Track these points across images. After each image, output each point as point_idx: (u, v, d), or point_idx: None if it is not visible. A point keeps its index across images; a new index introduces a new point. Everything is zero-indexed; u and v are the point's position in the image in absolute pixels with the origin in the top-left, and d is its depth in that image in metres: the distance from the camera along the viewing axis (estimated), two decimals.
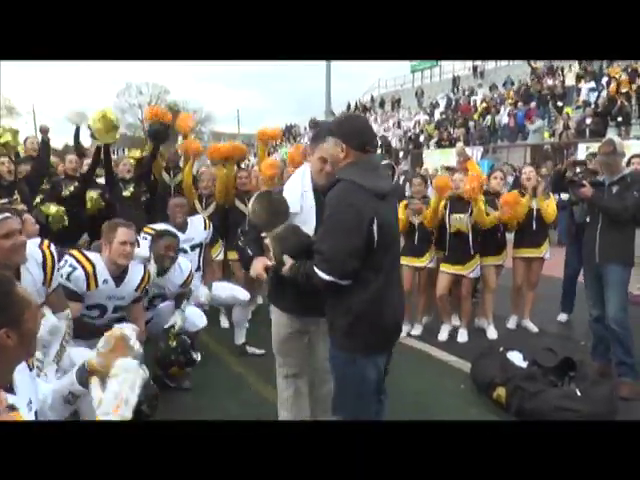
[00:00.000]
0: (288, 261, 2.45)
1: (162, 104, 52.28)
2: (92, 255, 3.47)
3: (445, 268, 5.24)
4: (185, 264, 4.17)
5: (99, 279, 3.42)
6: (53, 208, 5.24)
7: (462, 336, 5.35)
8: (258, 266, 2.66)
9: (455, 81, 26.39)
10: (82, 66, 76.65)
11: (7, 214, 2.63)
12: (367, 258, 2.26)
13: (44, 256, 2.93)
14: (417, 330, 5.50)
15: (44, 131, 5.63)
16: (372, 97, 34.21)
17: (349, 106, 34.53)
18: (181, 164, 6.19)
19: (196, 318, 4.25)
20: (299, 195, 2.66)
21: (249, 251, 2.75)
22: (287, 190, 2.71)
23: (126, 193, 5.62)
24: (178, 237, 4.15)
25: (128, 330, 1.86)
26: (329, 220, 2.27)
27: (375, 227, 2.24)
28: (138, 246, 3.73)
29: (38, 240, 3.04)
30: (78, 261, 3.40)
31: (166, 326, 3.98)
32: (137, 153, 6.79)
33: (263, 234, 2.60)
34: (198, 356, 4.01)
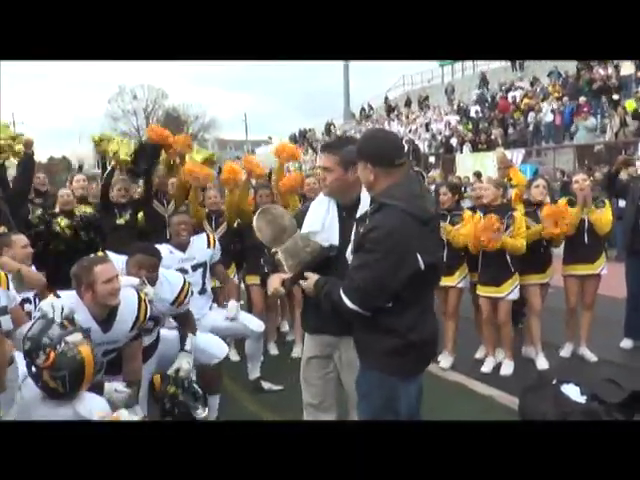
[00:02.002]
0: (311, 276, 2.61)
1: (160, 110, 53.29)
2: (68, 300, 3.22)
3: (480, 291, 5.24)
4: (175, 278, 3.98)
5: None
6: (65, 221, 5.38)
7: (507, 368, 5.30)
8: (274, 281, 2.82)
9: (485, 77, 26.32)
10: (68, 69, 78.26)
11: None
12: (411, 281, 2.40)
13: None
14: (447, 361, 5.46)
15: (27, 144, 5.73)
16: (388, 97, 34.38)
17: (370, 106, 34.77)
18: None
19: (214, 348, 4.18)
20: (324, 213, 2.83)
21: (266, 269, 2.96)
22: (314, 207, 2.91)
23: (120, 221, 5.58)
24: (158, 255, 3.94)
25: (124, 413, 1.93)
26: (370, 249, 2.37)
27: (420, 258, 2.39)
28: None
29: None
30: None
31: (169, 372, 3.78)
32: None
33: (273, 250, 2.79)
34: (205, 411, 3.74)
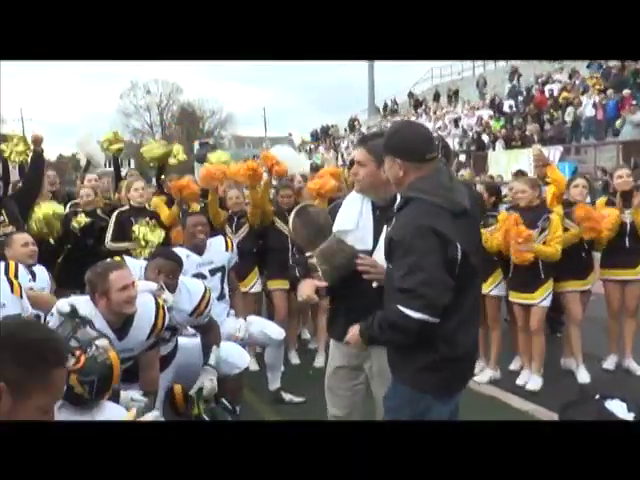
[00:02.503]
0: (351, 331, 2.56)
1: (174, 105, 53.73)
2: (84, 307, 3.23)
3: (512, 297, 5.17)
4: (195, 286, 3.98)
5: None
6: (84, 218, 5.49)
7: (535, 383, 5.14)
8: (305, 288, 2.81)
9: (515, 70, 26.06)
10: (77, 62, 79.32)
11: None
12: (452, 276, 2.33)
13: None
14: (485, 376, 5.39)
15: (37, 141, 5.80)
16: (413, 92, 34.27)
17: (395, 101, 34.70)
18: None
19: (236, 357, 4.20)
20: (358, 211, 2.82)
21: (296, 273, 2.95)
22: (346, 204, 2.90)
23: (135, 228, 5.55)
24: (179, 261, 3.96)
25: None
26: (408, 250, 2.29)
27: (459, 252, 2.30)
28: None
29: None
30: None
31: (192, 392, 3.78)
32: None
33: (308, 253, 2.76)
34: None
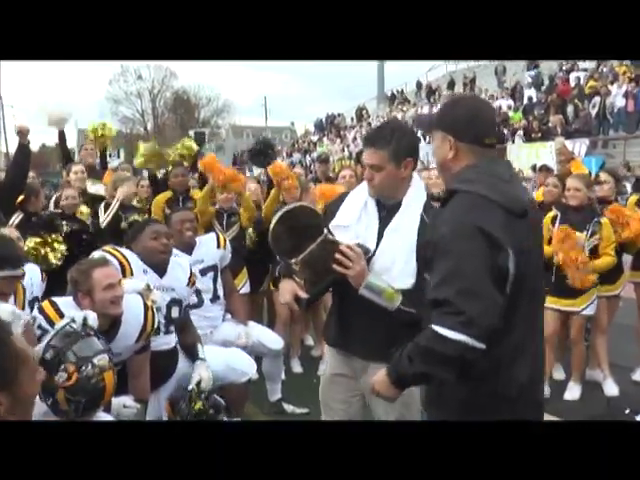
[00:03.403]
0: (379, 374, 2.17)
1: (167, 92, 53.80)
2: (67, 308, 3.22)
3: (552, 303, 5.11)
4: (181, 259, 4.17)
5: None
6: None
7: (573, 392, 5.21)
8: (286, 293, 2.70)
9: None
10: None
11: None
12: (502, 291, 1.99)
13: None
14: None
15: (23, 133, 5.75)
16: (420, 81, 34.27)
17: (419, 84, 34.66)
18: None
19: (243, 364, 4.19)
20: (361, 207, 2.76)
21: (277, 272, 2.86)
22: (351, 197, 2.85)
23: (124, 224, 5.57)
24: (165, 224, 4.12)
25: None
26: (447, 251, 1.99)
27: (511, 262, 1.98)
28: (124, 270, 3.68)
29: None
30: (49, 320, 3.20)
31: (190, 386, 3.76)
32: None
33: (292, 260, 2.64)
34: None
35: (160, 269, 3.91)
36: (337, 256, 2.52)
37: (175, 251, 4.17)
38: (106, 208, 5.65)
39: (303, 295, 2.64)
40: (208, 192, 5.69)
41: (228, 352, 4.21)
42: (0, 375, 1.49)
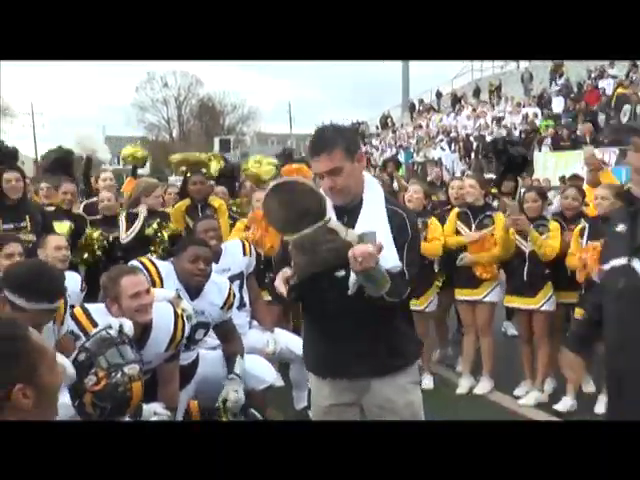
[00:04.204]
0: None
1: (193, 99, 54.22)
2: (99, 315, 3.30)
3: (581, 315, 5.02)
4: (221, 281, 4.13)
5: None
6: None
7: (602, 406, 5.09)
8: (280, 282, 2.46)
9: (557, 67, 25.74)
10: None
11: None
12: None
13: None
14: (531, 398, 5.35)
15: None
16: (440, 90, 34.12)
17: (439, 94, 34.55)
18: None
19: (262, 370, 4.22)
20: None
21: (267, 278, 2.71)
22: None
23: (149, 230, 5.56)
24: (208, 245, 4.09)
25: None
26: None
27: None
28: (153, 285, 3.68)
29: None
30: (80, 326, 3.27)
31: (217, 403, 3.80)
32: None
33: (286, 237, 2.46)
34: None
35: (194, 291, 3.93)
36: (350, 254, 2.23)
37: (212, 266, 4.15)
38: (127, 219, 5.62)
39: (291, 282, 2.42)
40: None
41: (248, 359, 4.21)
42: (23, 370, 1.55)
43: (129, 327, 3.05)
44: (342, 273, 2.42)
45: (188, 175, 6.40)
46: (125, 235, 5.53)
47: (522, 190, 6.88)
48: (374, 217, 2.52)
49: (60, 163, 7.20)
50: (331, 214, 2.37)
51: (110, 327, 2.98)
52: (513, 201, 5.35)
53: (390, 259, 2.43)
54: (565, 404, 5.11)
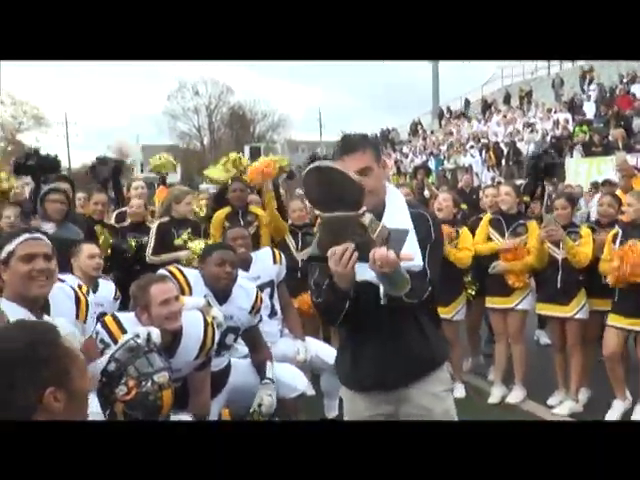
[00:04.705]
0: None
1: (224, 107, 54.65)
2: (129, 323, 3.34)
3: (615, 321, 4.95)
4: (248, 285, 4.18)
5: None
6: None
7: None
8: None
9: (584, 74, 25.43)
10: (124, 64, 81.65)
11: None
12: None
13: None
14: (565, 408, 5.27)
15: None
16: (469, 99, 33.87)
17: (467, 102, 34.39)
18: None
19: (293, 378, 4.24)
20: None
21: (315, 297, 2.57)
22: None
23: (178, 241, 5.60)
24: (232, 249, 4.16)
25: None
26: None
27: None
28: (182, 293, 3.71)
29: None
30: (111, 335, 3.31)
31: (251, 409, 3.85)
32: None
33: (316, 212, 2.45)
34: None
35: (222, 296, 3.97)
36: (371, 255, 2.20)
37: (242, 274, 4.21)
38: (158, 230, 5.68)
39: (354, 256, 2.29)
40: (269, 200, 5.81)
41: (279, 367, 4.23)
42: (55, 373, 1.59)
43: (157, 335, 3.07)
44: (374, 282, 2.39)
45: (229, 183, 6.47)
46: (148, 251, 5.60)
47: (547, 196, 6.85)
48: (398, 218, 2.50)
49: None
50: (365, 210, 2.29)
51: (138, 336, 3.01)
52: (549, 214, 5.28)
53: (414, 260, 2.40)
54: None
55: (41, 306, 2.86)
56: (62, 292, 3.11)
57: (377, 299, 2.40)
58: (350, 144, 2.54)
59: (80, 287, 3.67)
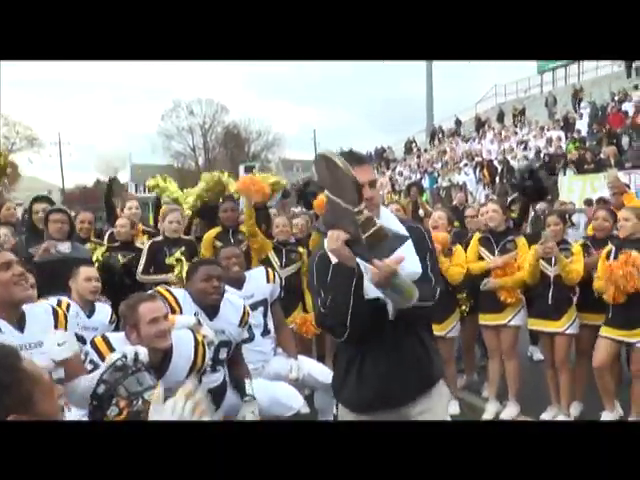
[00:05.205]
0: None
1: (219, 126, 54.80)
2: (119, 343, 3.32)
3: (607, 332, 4.96)
4: (235, 299, 4.22)
5: None
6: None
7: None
8: (333, 239, 2.36)
9: (577, 92, 25.56)
10: (118, 83, 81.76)
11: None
12: None
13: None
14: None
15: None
16: (459, 118, 34.08)
17: (458, 121, 34.63)
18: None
19: (289, 398, 4.25)
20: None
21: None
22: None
23: (170, 260, 5.62)
24: (219, 263, 4.23)
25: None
26: None
27: None
28: (173, 312, 3.71)
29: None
30: (101, 356, 3.28)
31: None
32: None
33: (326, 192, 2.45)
34: None
35: (211, 311, 4.00)
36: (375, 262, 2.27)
37: (227, 289, 4.25)
38: (150, 249, 5.73)
39: (345, 236, 2.33)
40: (248, 215, 5.80)
41: (274, 386, 4.25)
42: (17, 400, 1.52)
43: (144, 354, 3.05)
44: (380, 298, 2.44)
45: (220, 201, 6.49)
46: (139, 270, 5.64)
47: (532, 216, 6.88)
48: (394, 229, 2.50)
49: None
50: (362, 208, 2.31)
51: (125, 356, 2.99)
52: (546, 230, 5.34)
53: (413, 265, 2.47)
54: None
55: (18, 318, 2.93)
56: (38, 306, 3.19)
57: (383, 316, 2.46)
58: (359, 156, 2.61)
59: (60, 303, 3.73)
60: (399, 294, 2.35)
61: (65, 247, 5.17)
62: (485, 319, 5.61)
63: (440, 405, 2.71)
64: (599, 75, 30.07)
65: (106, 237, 6.56)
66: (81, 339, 4.02)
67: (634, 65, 26.76)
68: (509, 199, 7.55)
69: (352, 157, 2.54)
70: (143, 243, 6.06)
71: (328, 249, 2.37)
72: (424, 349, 2.64)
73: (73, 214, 6.44)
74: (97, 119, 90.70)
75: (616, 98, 23.17)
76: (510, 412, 5.49)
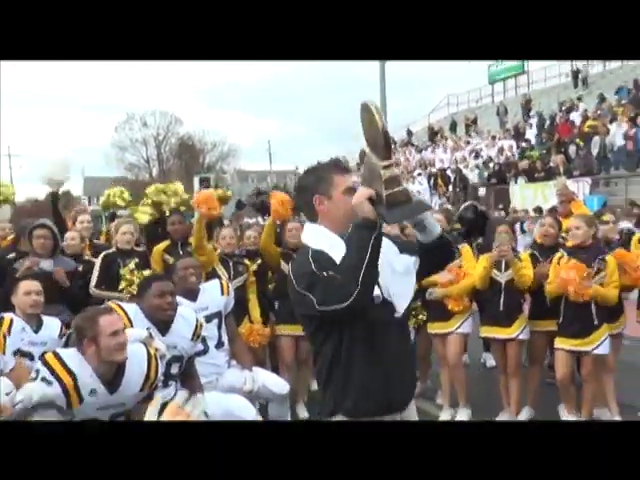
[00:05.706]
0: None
1: (173, 138, 54.31)
2: (72, 359, 3.31)
3: (563, 344, 5.08)
4: (187, 313, 4.21)
5: (83, 392, 3.28)
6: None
7: None
8: (358, 195, 2.40)
9: (528, 101, 26.08)
10: (68, 94, 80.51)
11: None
12: None
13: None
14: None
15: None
16: (410, 130, 34.50)
17: (410, 132, 34.98)
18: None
19: (242, 410, 4.22)
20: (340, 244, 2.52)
21: None
22: (329, 244, 2.57)
23: (124, 270, 5.59)
24: (170, 278, 4.25)
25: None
26: None
27: None
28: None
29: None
30: (53, 372, 3.25)
31: None
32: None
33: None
34: None
35: (163, 326, 3.99)
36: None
37: (181, 301, 4.23)
38: (103, 262, 5.68)
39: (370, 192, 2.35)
40: (198, 229, 5.66)
41: (227, 398, 4.24)
42: None
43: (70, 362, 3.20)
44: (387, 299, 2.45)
45: (167, 215, 6.42)
46: (92, 283, 5.58)
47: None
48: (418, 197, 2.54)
49: None
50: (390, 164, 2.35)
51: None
52: (503, 234, 5.45)
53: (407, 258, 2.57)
54: None
55: None
56: None
57: (389, 319, 2.45)
58: (346, 167, 2.74)
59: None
60: (423, 225, 2.48)
61: (47, 264, 5.13)
62: (433, 327, 5.67)
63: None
64: (547, 85, 30.80)
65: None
66: (28, 355, 3.98)
67: (580, 76, 27.46)
68: (462, 207, 7.64)
69: (342, 166, 2.67)
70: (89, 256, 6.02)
71: (352, 204, 2.37)
72: (412, 351, 2.69)
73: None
74: (48, 131, 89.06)
75: (564, 108, 23.70)
76: (461, 417, 5.56)
